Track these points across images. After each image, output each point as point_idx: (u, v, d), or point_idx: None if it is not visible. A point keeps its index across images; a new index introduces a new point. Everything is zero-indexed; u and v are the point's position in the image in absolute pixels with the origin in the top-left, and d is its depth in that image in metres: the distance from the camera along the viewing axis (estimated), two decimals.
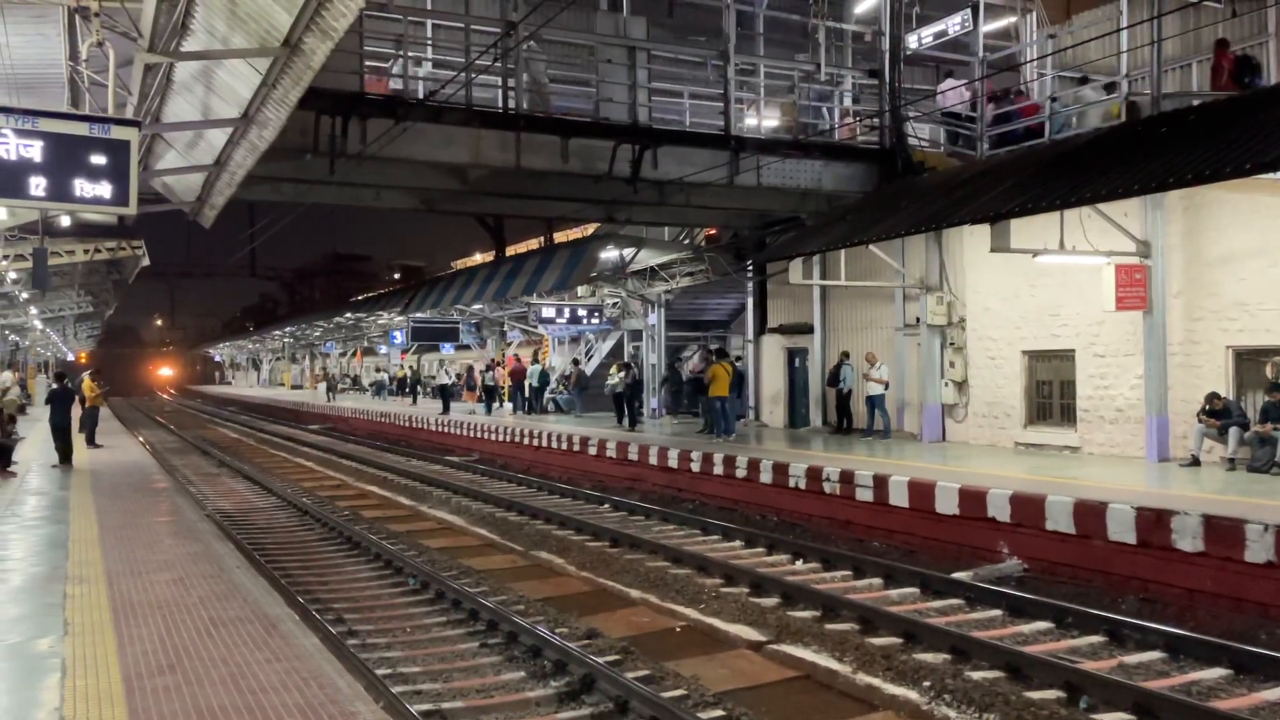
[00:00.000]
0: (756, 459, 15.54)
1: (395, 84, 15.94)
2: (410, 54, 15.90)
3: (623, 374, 23.90)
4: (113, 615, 7.14)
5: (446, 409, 32.82)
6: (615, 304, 30.05)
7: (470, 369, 41.50)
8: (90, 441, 21.60)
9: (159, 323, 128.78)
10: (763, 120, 19.64)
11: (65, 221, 20.37)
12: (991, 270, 16.63)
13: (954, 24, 18.65)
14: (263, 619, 7.06)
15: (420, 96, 15.16)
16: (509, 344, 40.05)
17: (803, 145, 18.00)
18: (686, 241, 25.89)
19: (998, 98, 18.01)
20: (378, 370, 56.09)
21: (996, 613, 9.49)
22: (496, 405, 32.67)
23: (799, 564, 11.99)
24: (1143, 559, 9.88)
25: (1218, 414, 12.90)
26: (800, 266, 18.84)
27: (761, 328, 23.16)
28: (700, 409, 22.18)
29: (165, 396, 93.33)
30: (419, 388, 44.32)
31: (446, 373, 38.38)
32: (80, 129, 8.24)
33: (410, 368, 49.35)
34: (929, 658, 8.00)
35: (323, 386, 63.77)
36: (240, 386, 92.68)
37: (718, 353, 21.30)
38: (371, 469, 23.69)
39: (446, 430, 29.23)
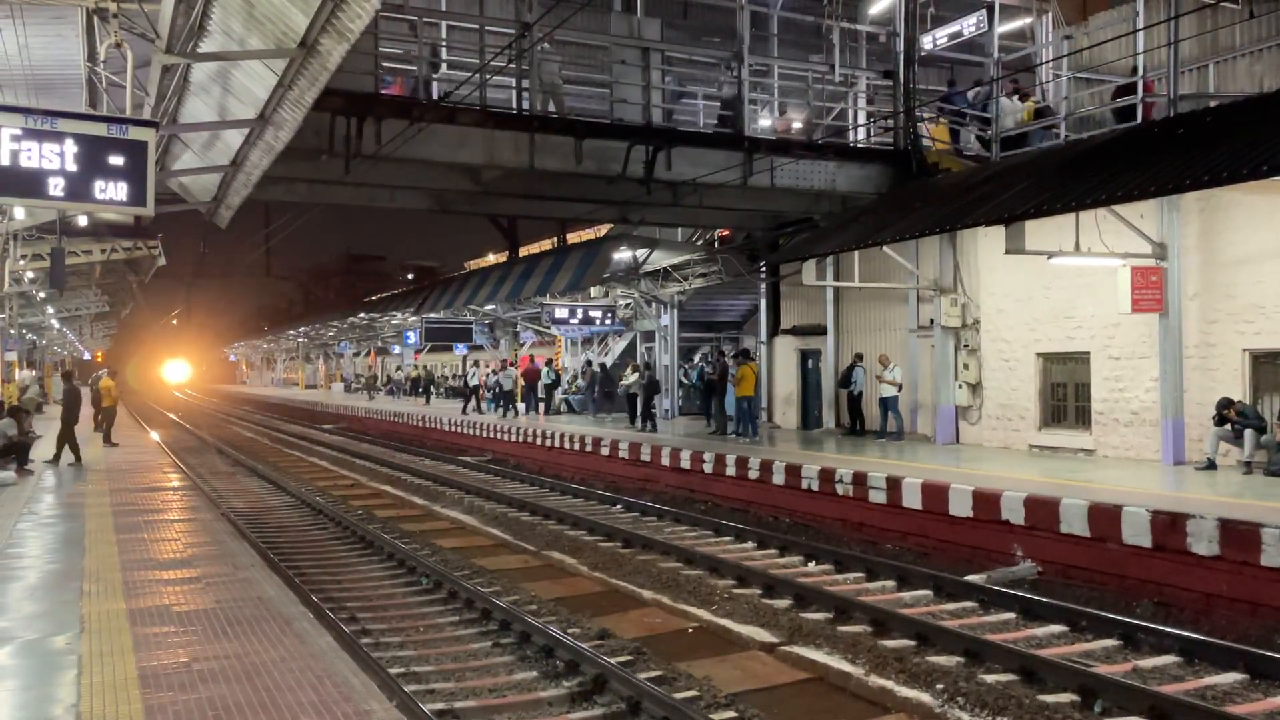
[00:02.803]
0: (769, 460, 15.53)
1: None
2: (425, 55, 15.92)
3: (636, 375, 23.92)
4: (128, 612, 7.18)
5: (467, 408, 32.39)
6: (628, 305, 30.07)
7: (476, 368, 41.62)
8: (106, 440, 21.73)
9: (174, 322, 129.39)
10: (775, 120, 19.60)
11: (82, 221, 20.55)
12: (1006, 272, 16.57)
13: (969, 25, 18.59)
14: (277, 617, 7.09)
15: (434, 97, 15.21)
16: (522, 344, 40.08)
17: (816, 146, 17.97)
18: (699, 242, 25.89)
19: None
20: (397, 369, 56.34)
21: (1010, 616, 9.46)
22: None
23: (812, 566, 11.98)
24: (1158, 563, 9.83)
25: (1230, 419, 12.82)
26: (814, 268, 18.80)
27: (774, 329, 23.14)
28: (711, 410, 22.17)
29: (180, 396, 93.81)
30: (432, 388, 44.34)
31: (494, 374, 37.11)
32: (99, 129, 8.30)
33: (424, 367, 49.47)
34: (942, 660, 7.98)
35: (338, 386, 64.06)
36: (255, 386, 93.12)
37: (742, 353, 21.31)
38: (385, 469, 23.76)
39: (460, 430, 29.30)
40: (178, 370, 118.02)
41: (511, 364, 35.81)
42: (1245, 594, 9.06)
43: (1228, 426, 12.82)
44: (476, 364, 39.15)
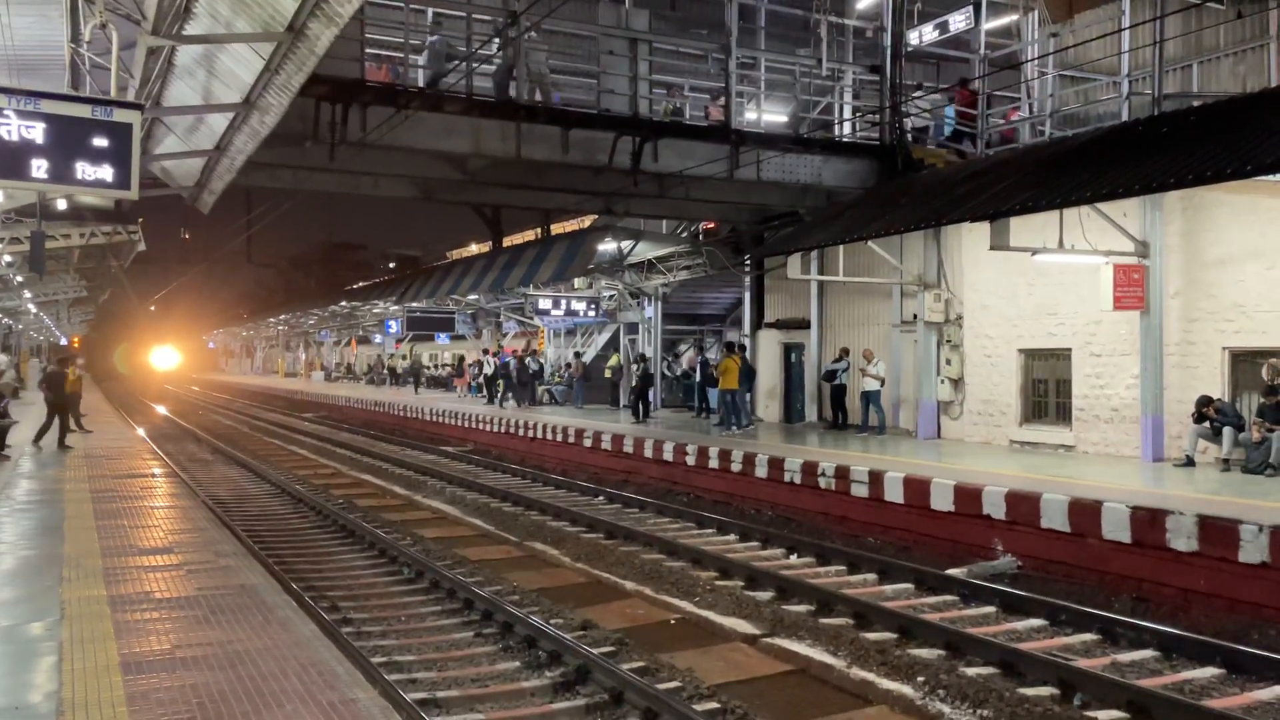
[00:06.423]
0: (752, 453, 15.56)
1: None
2: (411, 41, 15.82)
3: (636, 367, 24.04)
4: (109, 599, 7.13)
5: (498, 400, 30.25)
6: (612, 297, 30.01)
7: (462, 359, 41.45)
8: (78, 425, 21.45)
9: (153, 308, 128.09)
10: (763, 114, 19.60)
11: (62, 205, 20.32)
12: (989, 268, 16.65)
13: (956, 21, 18.64)
14: (260, 605, 7.06)
15: (420, 84, 15.12)
16: (505, 335, 39.99)
17: (803, 140, 18.00)
18: (684, 235, 25.88)
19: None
20: (403, 358, 56.06)
21: (990, 609, 9.53)
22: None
23: (794, 558, 12.02)
24: (1137, 558, 9.91)
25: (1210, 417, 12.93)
26: (798, 261, 18.83)
27: (758, 322, 23.15)
28: (695, 403, 22.23)
29: (160, 384, 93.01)
30: (418, 377, 44.19)
31: (492, 363, 34.98)
32: (83, 111, 8.19)
33: (404, 357, 49.29)
34: (923, 653, 8.03)
35: (318, 375, 63.68)
36: (234, 374, 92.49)
37: (729, 346, 21.33)
38: (366, 458, 23.66)
39: (441, 420, 29.21)
40: (164, 357, 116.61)
41: (494, 354, 35.68)
42: (1223, 590, 9.16)
43: (1207, 424, 12.93)
44: (487, 352, 37.24)
